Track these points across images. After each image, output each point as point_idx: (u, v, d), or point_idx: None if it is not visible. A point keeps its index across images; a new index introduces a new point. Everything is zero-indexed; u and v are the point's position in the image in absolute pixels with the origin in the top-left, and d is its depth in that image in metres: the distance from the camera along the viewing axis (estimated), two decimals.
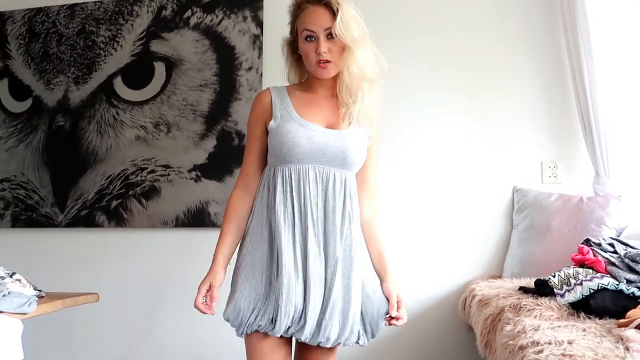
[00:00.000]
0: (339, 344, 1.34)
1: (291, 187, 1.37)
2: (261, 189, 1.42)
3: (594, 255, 1.47)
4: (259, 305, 1.35)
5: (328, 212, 1.37)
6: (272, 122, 1.41)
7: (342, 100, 1.42)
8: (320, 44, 1.37)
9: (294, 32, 1.46)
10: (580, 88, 2.01)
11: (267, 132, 1.43)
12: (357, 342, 1.37)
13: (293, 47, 1.48)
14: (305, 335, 1.30)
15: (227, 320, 1.39)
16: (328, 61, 1.38)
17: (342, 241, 1.36)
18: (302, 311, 1.31)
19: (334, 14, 1.37)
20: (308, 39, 1.39)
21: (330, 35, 1.37)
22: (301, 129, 1.40)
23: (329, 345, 1.32)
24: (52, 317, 2.44)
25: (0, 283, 1.48)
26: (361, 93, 1.40)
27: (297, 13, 1.44)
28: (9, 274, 1.57)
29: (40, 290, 1.61)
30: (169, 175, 2.48)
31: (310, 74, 1.46)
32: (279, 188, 1.36)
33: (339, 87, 1.41)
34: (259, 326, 1.33)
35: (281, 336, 1.33)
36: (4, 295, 1.40)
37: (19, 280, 1.54)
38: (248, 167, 1.46)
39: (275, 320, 1.31)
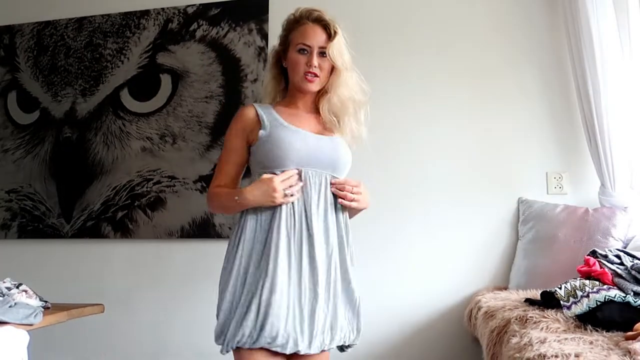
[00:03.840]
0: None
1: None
2: None
3: (601, 267, 1.46)
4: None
5: (328, 222, 1.44)
6: (261, 132, 1.46)
7: (325, 117, 1.51)
8: (312, 57, 1.47)
9: (285, 43, 1.54)
10: (585, 99, 2.01)
11: (247, 146, 1.50)
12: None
13: (278, 58, 1.57)
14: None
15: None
16: (316, 75, 1.47)
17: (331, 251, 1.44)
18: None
19: (329, 36, 1.48)
20: (301, 51, 1.48)
21: (322, 54, 1.48)
22: (295, 134, 1.46)
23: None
24: (57, 328, 2.44)
25: (7, 294, 1.49)
26: (347, 114, 1.51)
27: (293, 26, 1.53)
28: (15, 285, 1.58)
29: (46, 302, 1.61)
30: (174, 186, 2.50)
31: (291, 89, 1.54)
32: None
33: (322, 105, 1.51)
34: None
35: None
36: (10, 306, 1.41)
37: (25, 291, 1.55)
38: (222, 178, 1.51)
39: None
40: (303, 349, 1.34)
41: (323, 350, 1.40)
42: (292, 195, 1.40)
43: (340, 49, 1.47)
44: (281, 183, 1.39)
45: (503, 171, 2.23)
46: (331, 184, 1.46)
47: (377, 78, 2.22)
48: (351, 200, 1.45)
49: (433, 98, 2.31)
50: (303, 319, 1.36)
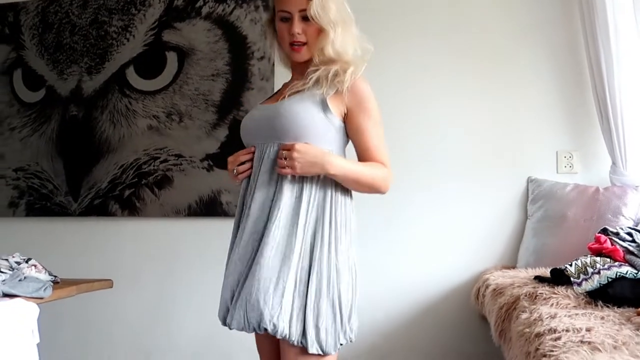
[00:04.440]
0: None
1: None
2: None
3: (612, 244, 1.45)
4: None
5: (270, 195, 1.30)
6: None
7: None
8: (294, 25, 1.32)
9: (272, 12, 1.42)
10: (598, 75, 1.97)
11: None
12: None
13: (272, 29, 1.43)
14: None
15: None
16: (302, 43, 1.33)
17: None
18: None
19: None
20: (283, 20, 1.35)
21: (306, 18, 1.31)
22: (251, 111, 1.43)
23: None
24: (66, 304, 2.46)
25: (16, 268, 1.50)
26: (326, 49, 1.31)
27: None
28: (24, 259, 1.58)
29: (55, 276, 1.62)
30: (181, 164, 2.49)
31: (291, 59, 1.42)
32: None
33: (308, 70, 1.34)
34: None
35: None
36: (20, 280, 1.42)
37: (34, 265, 1.55)
38: None
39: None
40: (229, 323, 1.31)
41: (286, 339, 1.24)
42: (241, 174, 1.37)
43: (324, 7, 1.30)
44: (230, 163, 1.40)
45: (512, 150, 2.20)
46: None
47: (385, 56, 2.20)
48: (282, 167, 1.25)
49: (442, 76, 2.28)
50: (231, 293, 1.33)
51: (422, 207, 2.24)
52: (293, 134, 1.28)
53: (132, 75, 2.60)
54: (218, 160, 2.44)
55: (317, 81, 1.30)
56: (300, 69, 1.40)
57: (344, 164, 1.29)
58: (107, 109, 2.61)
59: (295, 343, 1.23)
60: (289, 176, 1.28)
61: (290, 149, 1.24)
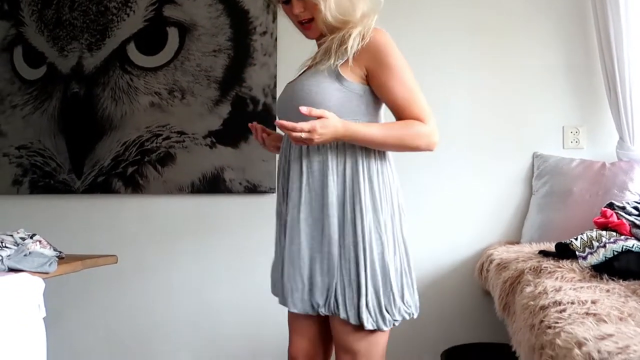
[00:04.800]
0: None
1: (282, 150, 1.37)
2: None
3: (618, 218, 1.44)
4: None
5: (299, 169, 1.30)
6: None
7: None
8: (293, 6, 1.29)
9: None
10: (606, 48, 1.94)
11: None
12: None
13: None
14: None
15: None
16: (308, 19, 1.30)
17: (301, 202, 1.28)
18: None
19: None
20: (284, 2, 1.31)
21: None
22: (282, 92, 1.42)
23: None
24: (71, 280, 2.48)
25: (21, 244, 1.50)
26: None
27: None
28: (29, 235, 1.59)
29: (60, 252, 1.63)
30: (183, 141, 2.48)
31: None
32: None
33: (319, 42, 1.33)
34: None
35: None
36: (25, 255, 1.42)
37: (39, 241, 1.56)
38: None
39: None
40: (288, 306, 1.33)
41: (329, 315, 1.27)
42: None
43: None
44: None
45: (518, 125, 2.18)
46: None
47: (393, 29, 2.15)
48: (299, 141, 1.20)
49: (447, 50, 2.24)
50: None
51: (427, 182, 2.23)
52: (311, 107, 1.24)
53: (133, 52, 2.57)
54: (221, 137, 2.43)
55: (326, 52, 1.27)
56: (319, 43, 1.37)
57: (362, 134, 1.22)
58: (108, 86, 2.58)
59: (351, 321, 1.22)
60: (317, 149, 1.26)
61: (311, 130, 1.18)
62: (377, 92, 1.28)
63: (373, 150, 1.28)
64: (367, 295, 1.22)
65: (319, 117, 1.18)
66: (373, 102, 1.30)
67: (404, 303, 1.27)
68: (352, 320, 1.23)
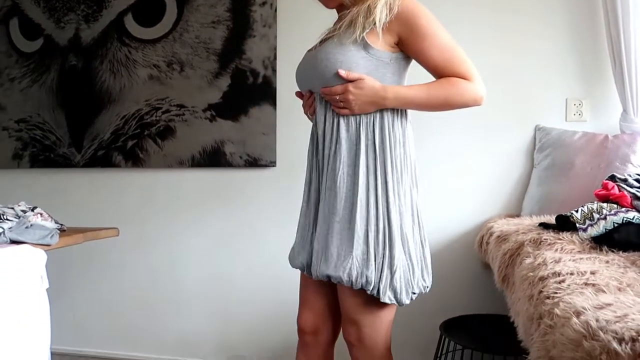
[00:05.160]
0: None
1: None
2: None
3: (619, 190, 1.43)
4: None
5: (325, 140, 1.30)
6: None
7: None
8: None
9: None
10: (612, 18, 1.90)
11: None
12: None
13: None
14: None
15: None
16: None
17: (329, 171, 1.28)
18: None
19: None
20: None
21: None
22: (300, 61, 1.38)
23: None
24: (72, 253, 2.50)
25: (22, 216, 1.51)
26: None
27: None
28: (30, 207, 1.59)
29: (61, 224, 1.63)
30: (183, 115, 2.46)
31: None
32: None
33: (342, 13, 1.33)
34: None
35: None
36: (26, 227, 1.42)
37: (40, 214, 1.56)
38: None
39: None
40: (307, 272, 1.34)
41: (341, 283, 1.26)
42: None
43: None
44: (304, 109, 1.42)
45: (521, 98, 2.15)
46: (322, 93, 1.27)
47: None
48: (340, 108, 1.25)
49: (450, 21, 2.19)
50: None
51: (427, 155, 2.22)
52: (335, 80, 1.24)
53: (130, 23, 2.53)
54: (221, 110, 2.41)
55: (351, 24, 1.25)
56: (340, 12, 1.35)
57: (403, 95, 1.23)
58: (106, 59, 2.55)
59: (369, 292, 1.22)
60: (344, 119, 1.26)
61: (344, 91, 1.21)
62: (415, 59, 1.28)
63: (399, 119, 1.28)
64: (388, 267, 1.22)
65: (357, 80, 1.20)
66: (399, 69, 1.29)
67: (421, 276, 1.28)
68: (372, 293, 1.22)
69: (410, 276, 1.25)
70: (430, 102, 1.25)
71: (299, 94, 1.41)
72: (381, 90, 1.23)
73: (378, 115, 1.26)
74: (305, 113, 1.43)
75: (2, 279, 1.23)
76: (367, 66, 1.24)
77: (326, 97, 1.26)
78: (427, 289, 1.30)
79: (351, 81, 1.22)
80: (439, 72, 1.26)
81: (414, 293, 1.27)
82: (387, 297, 1.22)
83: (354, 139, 1.26)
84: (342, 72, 1.21)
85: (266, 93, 2.35)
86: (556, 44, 2.12)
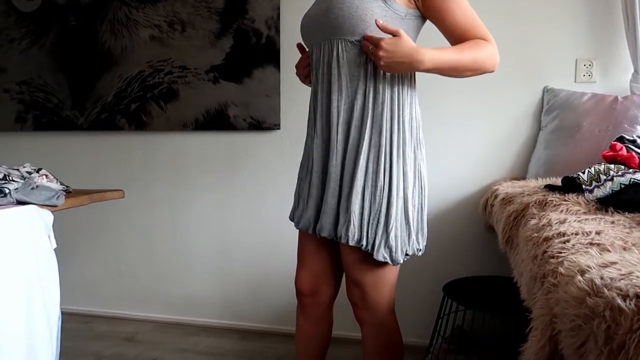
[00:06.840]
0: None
1: (314, 70, 1.32)
2: None
3: (628, 152, 1.41)
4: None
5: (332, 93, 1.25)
6: None
7: None
8: None
9: None
10: None
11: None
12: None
13: None
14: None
15: None
16: None
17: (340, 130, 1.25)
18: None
19: None
20: None
21: None
22: (309, 9, 1.34)
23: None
24: (80, 215, 2.53)
25: (28, 177, 1.51)
26: None
27: None
28: (35, 169, 1.59)
29: (67, 186, 1.64)
30: (186, 76, 2.43)
31: None
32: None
33: None
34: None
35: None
36: (32, 189, 1.43)
37: (45, 175, 1.56)
38: None
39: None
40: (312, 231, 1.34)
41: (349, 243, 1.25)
42: (306, 78, 1.38)
43: None
44: (297, 69, 1.39)
45: (529, 59, 2.11)
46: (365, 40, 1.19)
47: None
48: (379, 59, 1.16)
49: None
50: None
51: (433, 116, 2.19)
52: (349, 26, 1.19)
53: None
54: (223, 72, 2.37)
55: None
56: None
57: (438, 57, 1.17)
58: (106, 19, 2.50)
59: (363, 249, 1.22)
60: (349, 77, 1.23)
61: (376, 44, 1.14)
62: (435, 19, 1.24)
63: (408, 80, 1.26)
64: (383, 226, 1.21)
65: (393, 35, 1.15)
66: (413, 26, 1.26)
67: (416, 239, 1.28)
68: (366, 249, 1.23)
69: (405, 237, 1.25)
70: (460, 65, 1.20)
71: (301, 47, 1.38)
72: (416, 52, 1.15)
73: (388, 77, 1.23)
74: (298, 75, 1.40)
75: (11, 238, 1.25)
76: (381, 16, 1.19)
77: (363, 44, 1.18)
78: (421, 252, 1.31)
79: (388, 33, 1.15)
80: (459, 34, 1.22)
81: (407, 255, 1.27)
82: (381, 254, 1.22)
83: (361, 101, 1.24)
84: (380, 22, 1.15)
85: (270, 54, 2.31)
86: (567, 2, 2.06)
